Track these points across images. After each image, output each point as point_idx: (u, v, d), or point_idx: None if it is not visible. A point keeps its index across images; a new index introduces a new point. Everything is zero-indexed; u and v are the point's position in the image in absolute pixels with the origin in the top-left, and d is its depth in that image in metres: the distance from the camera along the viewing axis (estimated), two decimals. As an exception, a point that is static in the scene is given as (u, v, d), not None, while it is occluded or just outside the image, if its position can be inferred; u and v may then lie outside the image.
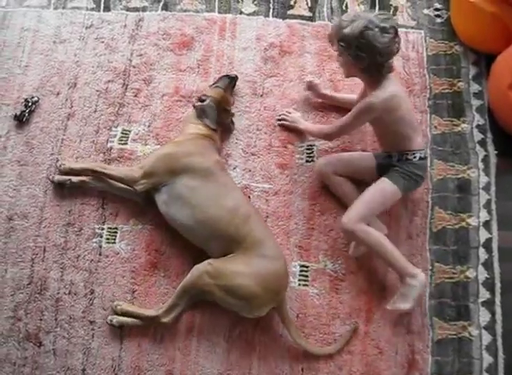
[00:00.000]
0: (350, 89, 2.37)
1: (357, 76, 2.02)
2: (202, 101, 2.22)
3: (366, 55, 1.86)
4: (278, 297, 1.93)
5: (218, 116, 2.21)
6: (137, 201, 2.14)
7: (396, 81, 2.04)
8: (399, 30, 2.47)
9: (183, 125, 2.27)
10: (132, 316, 1.99)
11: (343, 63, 1.98)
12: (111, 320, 1.98)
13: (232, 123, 2.32)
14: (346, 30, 1.86)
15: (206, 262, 1.93)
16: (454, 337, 2.07)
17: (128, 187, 2.10)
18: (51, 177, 2.19)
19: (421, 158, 2.03)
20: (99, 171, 2.13)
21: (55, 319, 2.03)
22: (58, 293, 2.06)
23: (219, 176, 2.05)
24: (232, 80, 2.33)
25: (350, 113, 2.03)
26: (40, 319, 2.03)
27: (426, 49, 2.53)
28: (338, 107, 2.35)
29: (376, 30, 1.83)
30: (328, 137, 2.19)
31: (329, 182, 2.19)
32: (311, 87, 2.35)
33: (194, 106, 2.24)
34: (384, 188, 2.02)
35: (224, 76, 2.34)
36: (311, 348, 1.98)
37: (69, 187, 2.18)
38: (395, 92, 1.95)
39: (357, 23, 1.85)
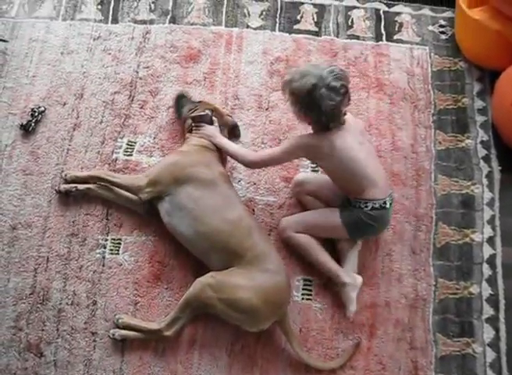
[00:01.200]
0: (355, 104, 2.39)
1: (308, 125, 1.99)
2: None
3: (312, 113, 1.85)
4: (279, 311, 1.92)
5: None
6: (140, 212, 2.14)
7: (341, 133, 1.90)
8: (404, 45, 2.57)
9: (186, 137, 2.26)
10: (134, 329, 1.98)
11: (294, 113, 1.95)
12: (113, 334, 1.97)
13: (238, 135, 2.33)
14: (296, 85, 1.82)
15: (208, 274, 1.93)
16: (458, 353, 2.06)
17: (132, 197, 2.10)
18: (57, 188, 2.19)
19: (374, 209, 1.94)
20: (105, 178, 2.13)
21: (57, 330, 2.02)
22: (61, 303, 2.05)
23: (223, 188, 2.05)
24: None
25: (280, 145, 2.04)
26: (42, 330, 2.02)
27: (431, 65, 2.56)
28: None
29: (323, 90, 1.77)
30: (251, 164, 2.08)
31: (302, 200, 2.21)
32: None
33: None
34: (330, 217, 2.02)
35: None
36: (313, 362, 1.97)
37: (74, 197, 2.18)
38: (320, 142, 1.90)
39: (307, 79, 1.80)
